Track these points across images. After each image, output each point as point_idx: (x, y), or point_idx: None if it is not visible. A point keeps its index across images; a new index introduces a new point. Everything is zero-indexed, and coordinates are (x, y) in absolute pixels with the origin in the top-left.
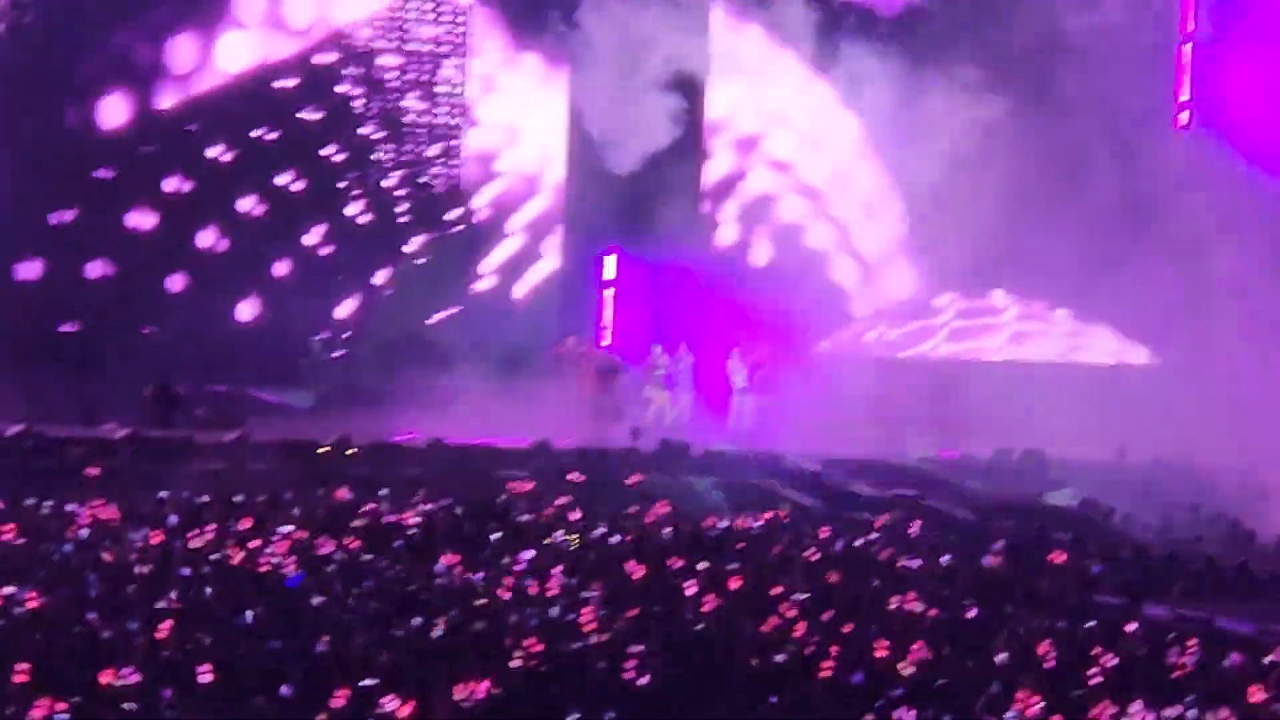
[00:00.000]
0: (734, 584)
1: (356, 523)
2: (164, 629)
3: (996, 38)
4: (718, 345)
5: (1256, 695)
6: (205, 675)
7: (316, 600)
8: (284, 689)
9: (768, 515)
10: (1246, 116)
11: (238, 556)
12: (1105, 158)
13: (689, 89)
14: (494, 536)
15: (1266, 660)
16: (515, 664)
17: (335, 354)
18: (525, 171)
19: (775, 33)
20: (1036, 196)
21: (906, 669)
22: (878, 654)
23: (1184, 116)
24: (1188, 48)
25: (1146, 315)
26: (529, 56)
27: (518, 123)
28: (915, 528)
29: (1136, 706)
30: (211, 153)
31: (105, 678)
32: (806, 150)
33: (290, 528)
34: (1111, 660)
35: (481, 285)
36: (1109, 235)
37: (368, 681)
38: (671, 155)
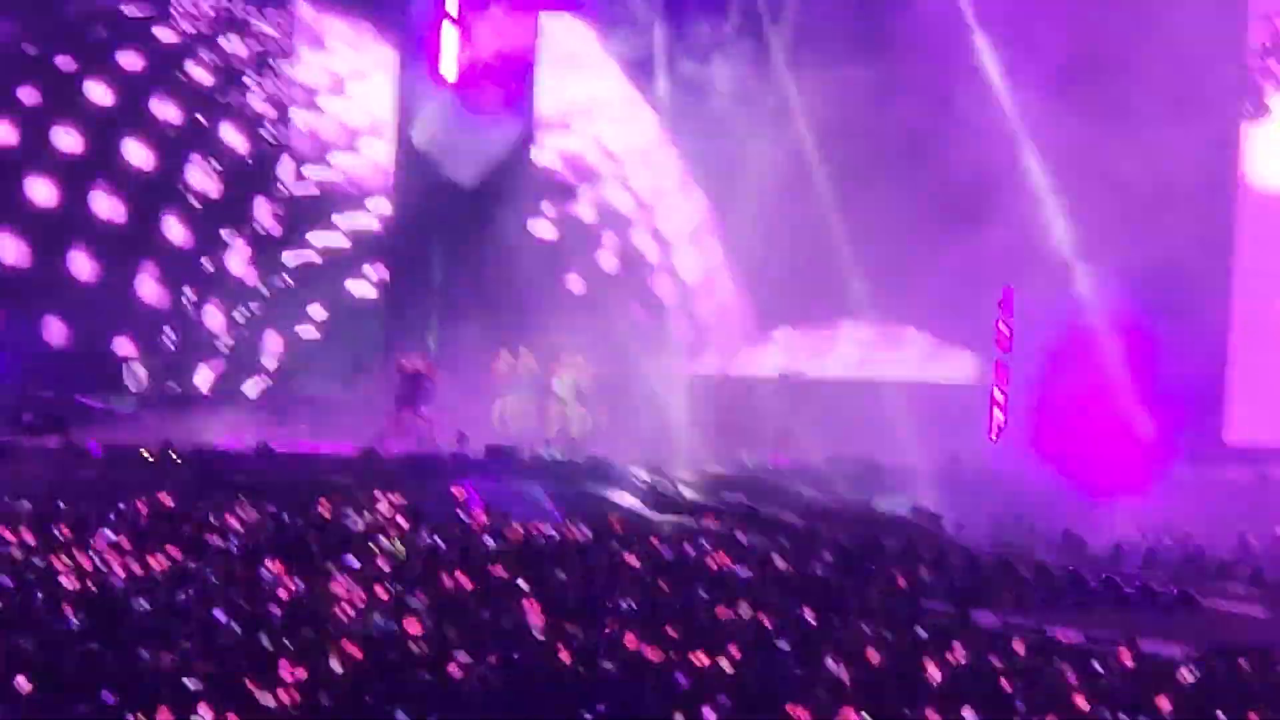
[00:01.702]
0: (562, 592)
1: (181, 529)
2: None
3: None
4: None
5: (1083, 704)
6: (24, 683)
7: (140, 607)
8: (106, 695)
9: (597, 523)
10: None
11: (61, 563)
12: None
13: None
14: (319, 543)
15: (1095, 668)
16: (338, 669)
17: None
18: (353, 173)
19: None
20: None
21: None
22: (702, 660)
23: None
24: None
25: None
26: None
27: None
28: (744, 535)
29: (968, 714)
30: None
31: None
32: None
33: (113, 535)
34: (940, 669)
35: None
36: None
37: (190, 684)
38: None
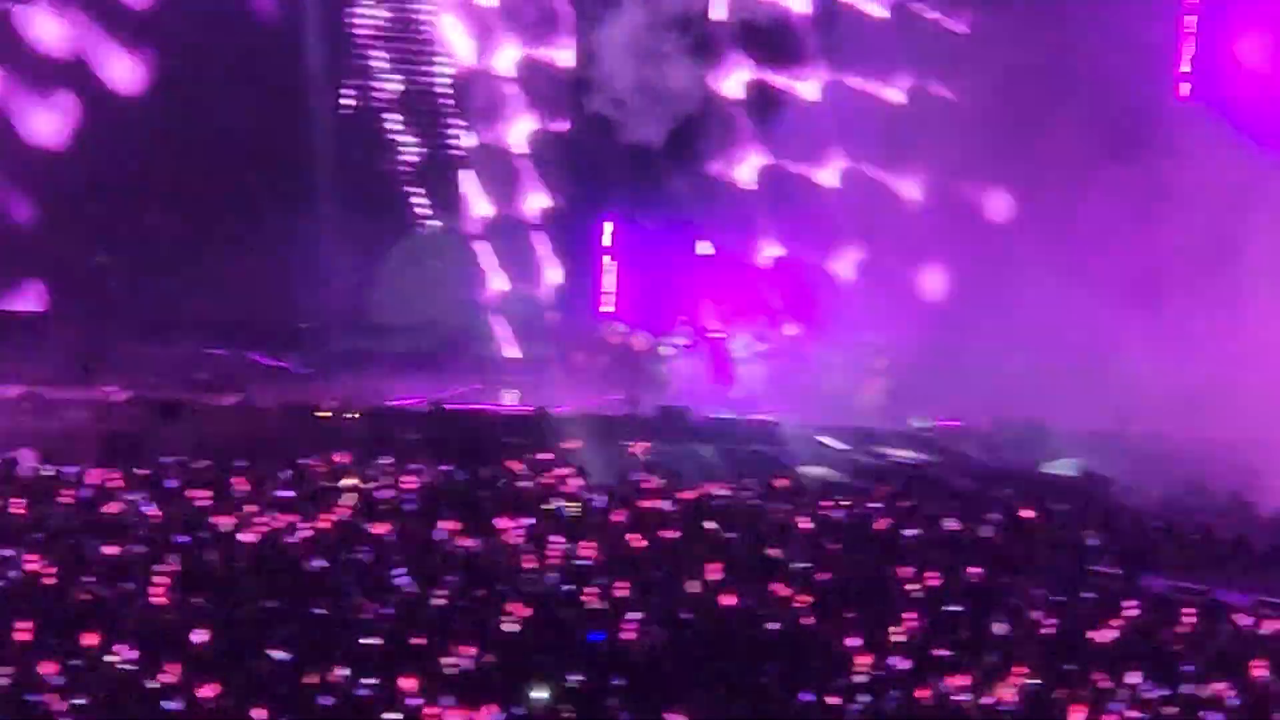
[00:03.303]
0: (732, 553)
1: (355, 487)
2: (161, 593)
3: None
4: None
5: (1255, 668)
6: (201, 637)
7: (316, 564)
8: (282, 654)
9: (767, 484)
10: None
11: (235, 521)
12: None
13: None
14: (492, 503)
15: (1263, 632)
16: (511, 629)
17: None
18: None
19: None
20: None
21: (899, 637)
22: (877, 623)
23: (1185, 88)
24: (1190, 19)
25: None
26: None
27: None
28: (914, 497)
29: (1134, 678)
30: None
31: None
32: None
33: (289, 493)
34: (1109, 632)
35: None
36: None
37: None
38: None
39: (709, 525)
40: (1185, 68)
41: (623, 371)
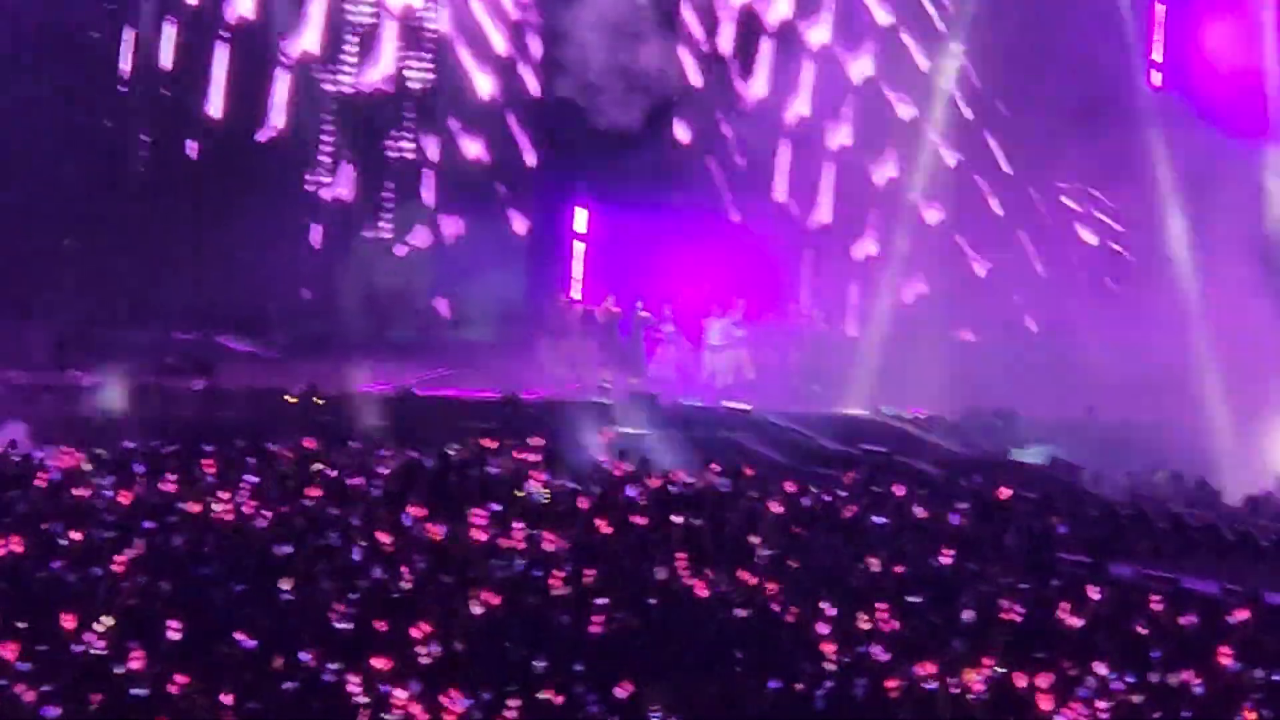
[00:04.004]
0: (700, 539)
1: (323, 473)
2: (128, 578)
3: None
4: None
5: (1221, 656)
6: (173, 630)
7: (282, 550)
8: (248, 638)
9: (737, 471)
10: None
11: (202, 506)
12: None
13: None
14: (460, 488)
15: (1230, 621)
16: (478, 614)
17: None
18: None
19: None
20: None
21: (867, 624)
22: (839, 609)
23: (1156, 77)
24: (1160, 8)
25: None
26: None
27: None
28: (881, 484)
29: (1102, 666)
30: None
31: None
32: None
33: (256, 478)
34: (1076, 619)
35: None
36: None
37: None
38: None
39: (677, 512)
40: (1156, 56)
41: (599, 355)
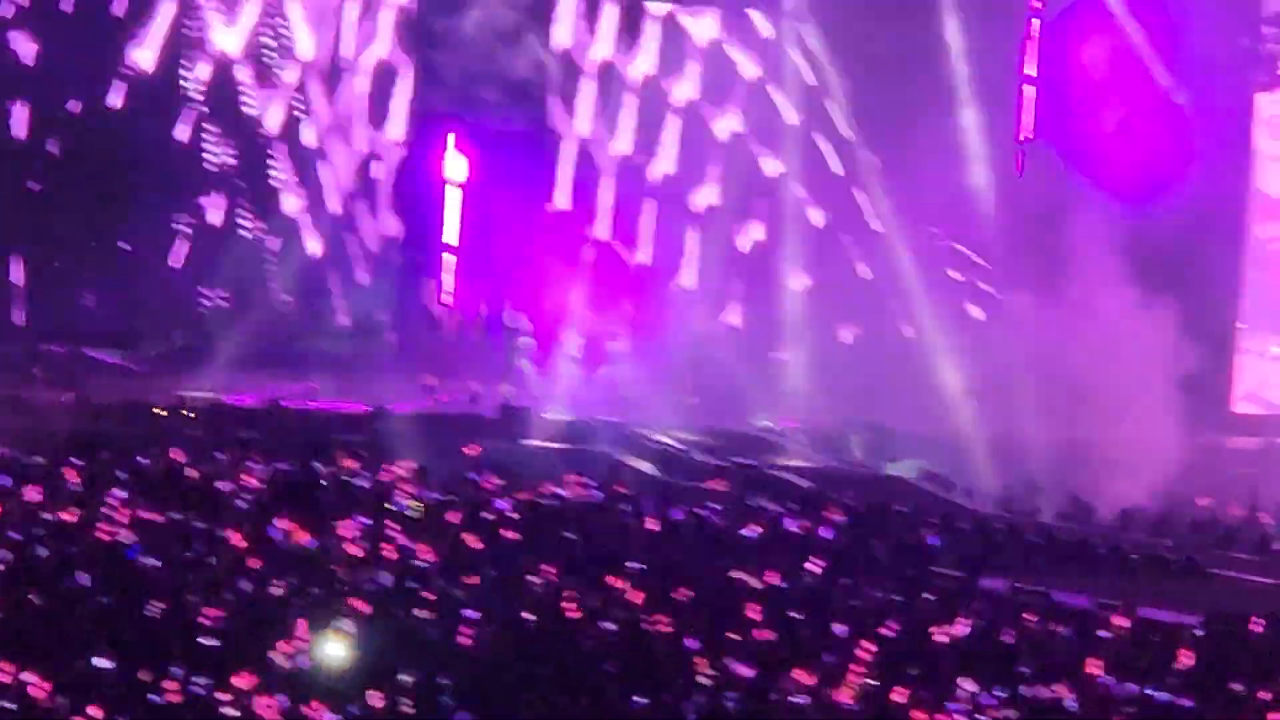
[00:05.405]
0: (571, 552)
1: (191, 485)
2: None
3: None
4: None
5: (1091, 668)
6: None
7: (150, 563)
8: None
9: (608, 483)
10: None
11: (71, 518)
12: None
13: None
14: (329, 501)
15: (1101, 634)
16: (350, 627)
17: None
18: None
19: None
20: None
21: (738, 637)
22: (710, 622)
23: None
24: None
25: None
26: None
27: None
28: (753, 497)
29: (972, 681)
30: None
31: None
32: None
33: (124, 491)
34: (948, 633)
35: None
36: None
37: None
38: None
39: (548, 525)
40: (1030, 70)
41: (468, 365)
